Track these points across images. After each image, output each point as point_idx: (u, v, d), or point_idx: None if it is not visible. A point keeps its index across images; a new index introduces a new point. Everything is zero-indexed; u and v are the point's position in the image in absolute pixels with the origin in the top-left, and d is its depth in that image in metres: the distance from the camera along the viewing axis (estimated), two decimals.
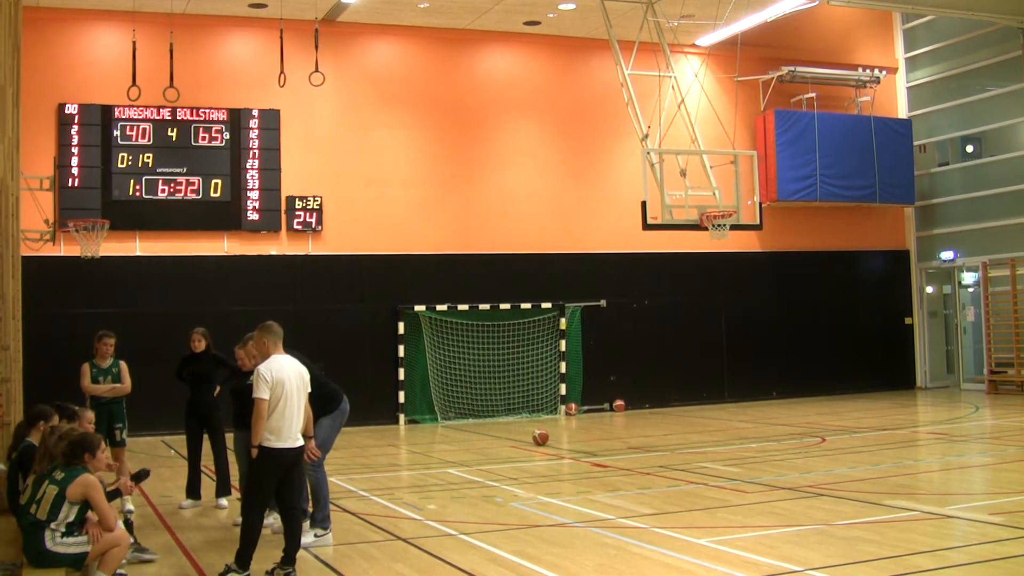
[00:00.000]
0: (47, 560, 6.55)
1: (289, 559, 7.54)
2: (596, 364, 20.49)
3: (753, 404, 20.93)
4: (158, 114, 17.92)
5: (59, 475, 6.67)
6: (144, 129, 17.94)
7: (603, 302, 20.71)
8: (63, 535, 6.56)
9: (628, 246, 20.66)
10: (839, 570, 7.21)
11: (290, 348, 8.02)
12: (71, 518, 6.59)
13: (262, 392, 7.49)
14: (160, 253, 18.02)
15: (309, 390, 7.88)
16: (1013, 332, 21.41)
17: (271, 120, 18.72)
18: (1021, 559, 7.43)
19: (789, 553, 7.70)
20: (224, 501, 10.62)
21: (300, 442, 7.71)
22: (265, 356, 7.77)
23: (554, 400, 20.13)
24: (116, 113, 17.76)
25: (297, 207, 18.74)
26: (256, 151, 18.59)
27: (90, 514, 6.73)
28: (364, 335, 19.15)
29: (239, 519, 9.59)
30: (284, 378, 7.58)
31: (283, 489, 7.72)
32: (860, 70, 22.70)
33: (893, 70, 23.62)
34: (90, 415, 8.76)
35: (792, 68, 21.67)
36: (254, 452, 7.60)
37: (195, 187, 18.18)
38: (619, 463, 13.13)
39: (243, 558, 7.46)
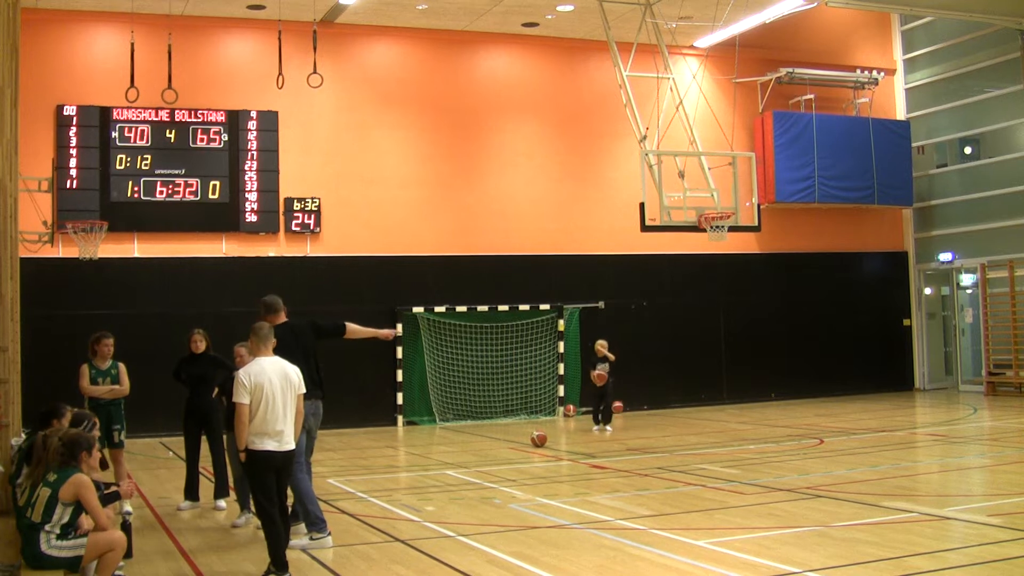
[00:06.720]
0: (43, 563, 6.53)
1: (275, 564, 7.47)
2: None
3: (752, 405, 20.92)
4: (156, 116, 17.90)
5: (52, 477, 6.64)
6: (142, 131, 17.92)
7: (601, 303, 20.71)
8: (58, 537, 6.53)
9: (626, 247, 20.64)
10: (838, 571, 7.21)
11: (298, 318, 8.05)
12: (65, 519, 6.56)
13: (241, 397, 7.51)
14: (158, 255, 18.00)
15: (303, 391, 7.85)
16: (1011, 334, 21.39)
17: (269, 121, 18.70)
18: (1019, 560, 7.43)
19: (788, 554, 7.70)
20: (222, 503, 10.60)
21: (289, 446, 7.66)
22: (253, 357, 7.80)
23: (552, 401, 20.13)
24: (114, 115, 17.73)
25: (295, 208, 18.73)
26: (254, 152, 18.58)
27: (84, 518, 6.69)
28: None
29: (237, 521, 9.64)
30: (264, 381, 7.58)
31: None
32: (858, 71, 22.70)
33: (891, 71, 23.63)
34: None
35: (790, 70, 21.67)
36: (242, 456, 7.61)
37: (193, 188, 18.16)
38: (617, 464, 13.12)
39: (275, 559, 7.43)
